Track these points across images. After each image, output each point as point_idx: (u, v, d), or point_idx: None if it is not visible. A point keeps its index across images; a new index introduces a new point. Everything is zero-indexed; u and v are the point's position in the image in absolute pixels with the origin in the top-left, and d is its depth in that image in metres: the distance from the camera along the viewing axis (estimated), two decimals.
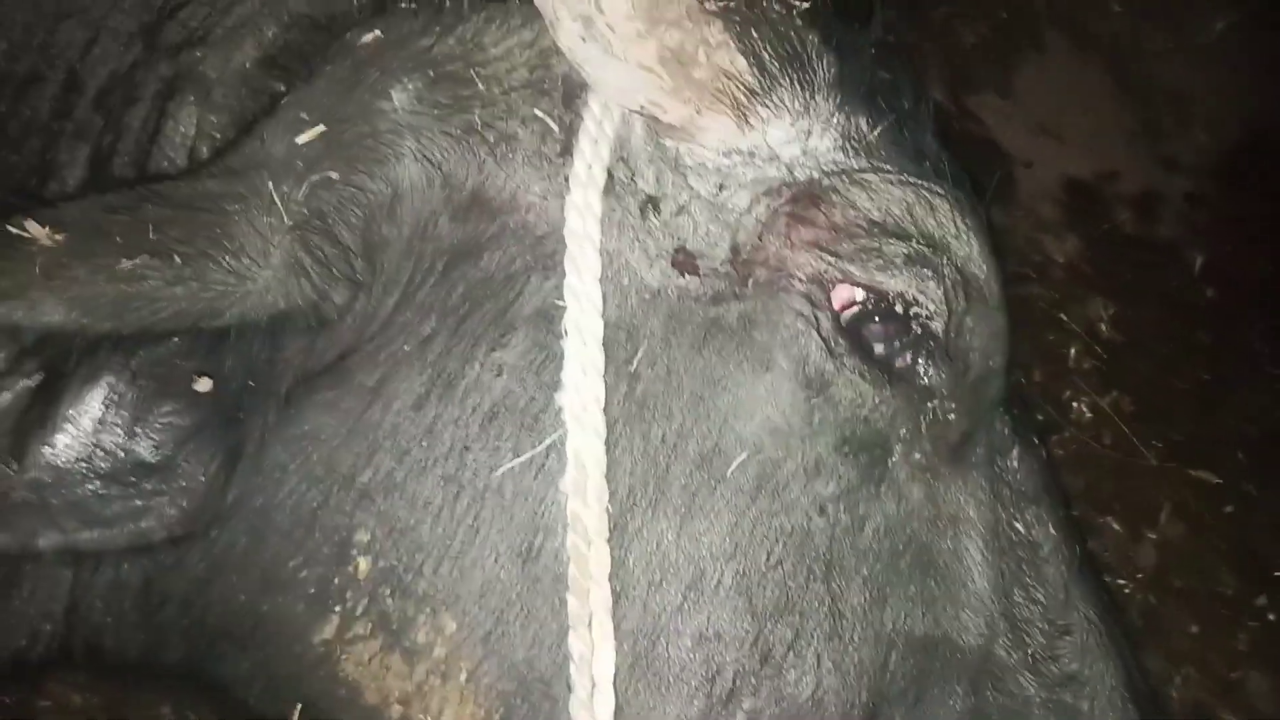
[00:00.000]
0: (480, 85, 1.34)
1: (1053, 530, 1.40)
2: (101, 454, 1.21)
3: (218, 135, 1.44)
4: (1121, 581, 2.86)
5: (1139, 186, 3.26)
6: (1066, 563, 1.39)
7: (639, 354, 1.27)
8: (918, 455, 1.30)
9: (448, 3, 1.42)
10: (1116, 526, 2.86)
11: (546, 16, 1.29)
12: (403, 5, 1.47)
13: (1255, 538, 3.01)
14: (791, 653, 1.21)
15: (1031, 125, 3.19)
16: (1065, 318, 2.98)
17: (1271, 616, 2.98)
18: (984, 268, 1.32)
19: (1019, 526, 1.38)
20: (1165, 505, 2.91)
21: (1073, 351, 2.93)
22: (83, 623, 1.42)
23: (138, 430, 1.23)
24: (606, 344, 1.25)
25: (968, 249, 1.31)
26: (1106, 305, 3.02)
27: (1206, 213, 3.29)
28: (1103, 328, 3.00)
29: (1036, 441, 1.51)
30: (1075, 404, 2.87)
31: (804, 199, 1.30)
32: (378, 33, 1.43)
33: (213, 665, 1.40)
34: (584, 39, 1.27)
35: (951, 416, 1.31)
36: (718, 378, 1.25)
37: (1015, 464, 1.42)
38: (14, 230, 1.11)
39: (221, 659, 1.38)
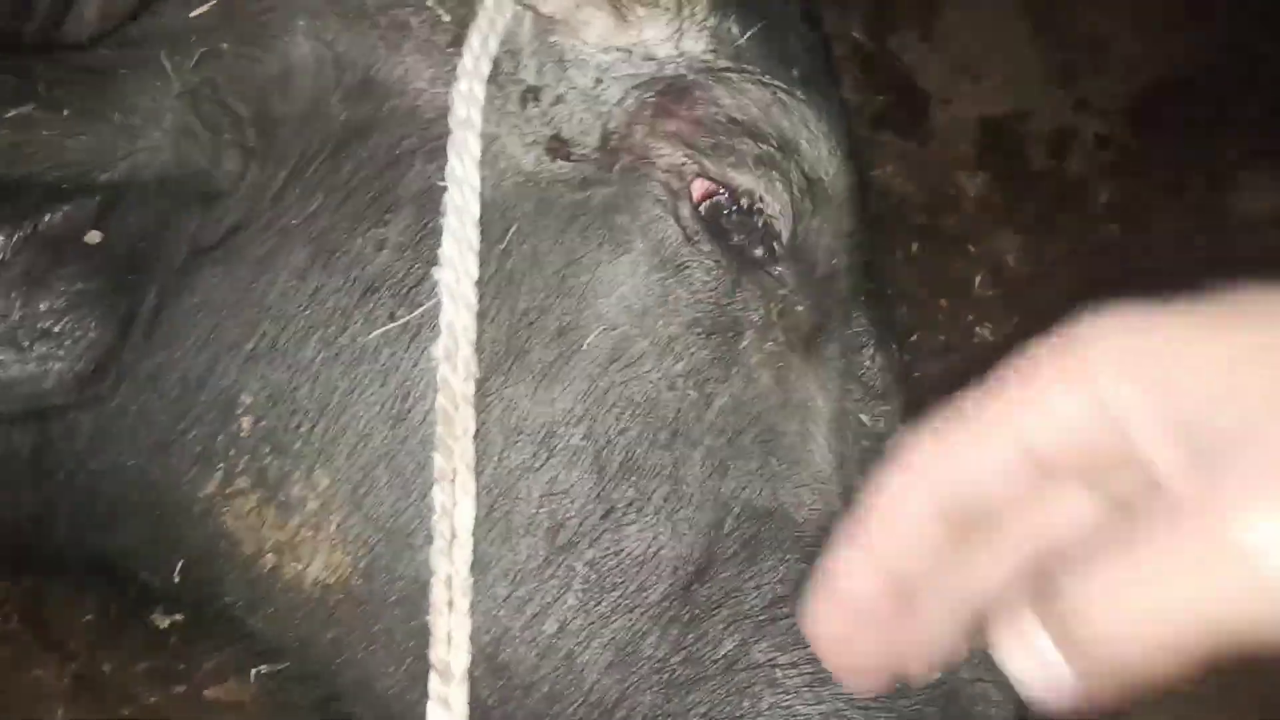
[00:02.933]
0: None
1: (898, 424, 1.45)
2: None
3: (124, 9, 1.44)
4: None
5: (1051, 126, 3.31)
6: None
7: (510, 233, 1.31)
8: (769, 344, 1.35)
9: None
10: None
11: None
12: None
13: None
14: (632, 510, 1.26)
15: (951, 66, 3.23)
16: (973, 249, 3.05)
17: None
18: (831, 171, 1.37)
19: (864, 418, 1.43)
20: None
21: (978, 280, 3.01)
22: None
23: (32, 293, 1.23)
24: (481, 223, 1.29)
25: (818, 151, 1.36)
26: (1014, 238, 3.10)
27: (1115, 152, 3.35)
28: (1009, 259, 3.08)
29: (894, 345, 1.57)
30: (977, 329, 2.95)
31: (671, 92, 1.35)
32: None
33: (102, 536, 1.43)
34: None
35: (800, 309, 1.36)
36: (580, 257, 1.30)
37: (868, 362, 1.48)
38: None
39: (110, 528, 1.41)
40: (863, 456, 1.41)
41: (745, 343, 1.33)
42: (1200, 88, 3.41)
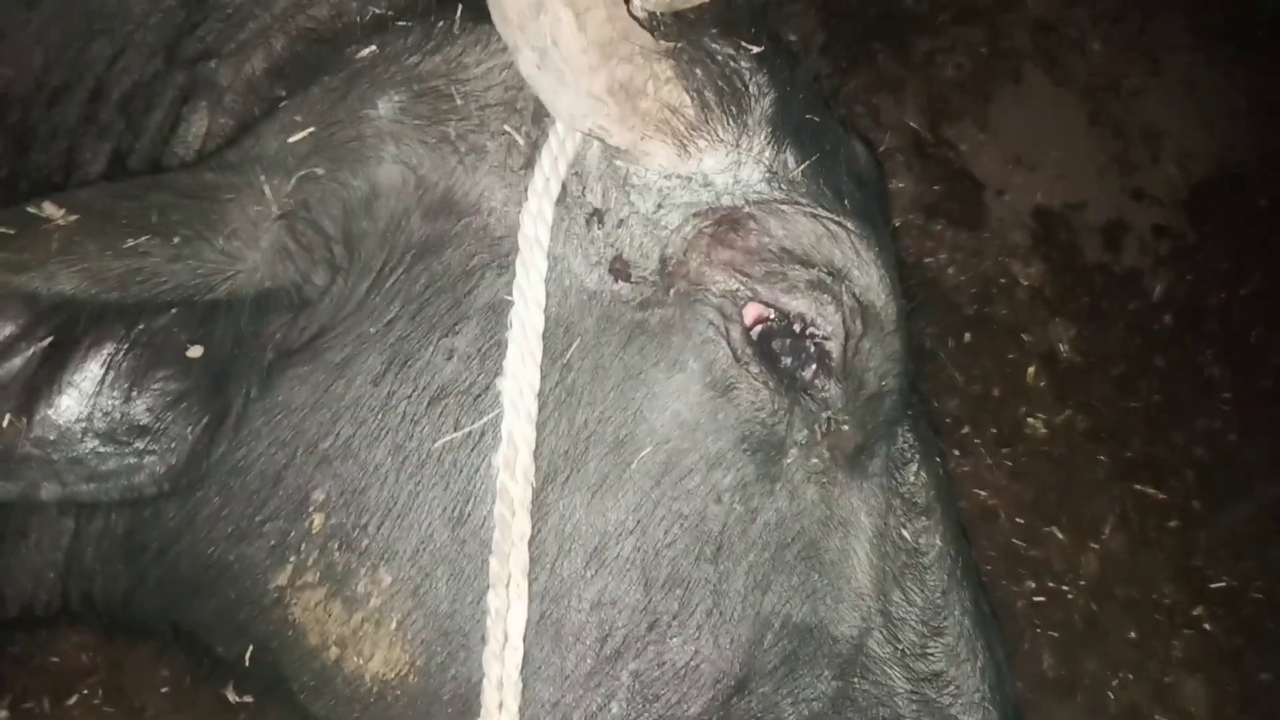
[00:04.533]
0: (459, 101, 1.45)
1: (939, 540, 1.48)
2: (100, 415, 1.31)
3: (223, 133, 1.55)
4: (1065, 588, 2.93)
5: (1106, 216, 3.31)
6: (949, 571, 1.47)
7: (572, 348, 1.38)
8: (814, 460, 1.39)
9: (439, 24, 1.54)
10: (1061, 536, 2.92)
11: (509, 45, 1.39)
12: (400, 24, 1.58)
13: (1196, 552, 3.06)
14: (675, 622, 1.30)
15: (1006, 156, 3.25)
16: (1027, 338, 3.05)
17: (1207, 626, 3.04)
18: (883, 296, 1.41)
19: (906, 534, 1.46)
20: (1110, 518, 2.97)
21: (1031, 370, 3.00)
22: (78, 570, 1.53)
23: (133, 394, 1.32)
24: (545, 337, 1.35)
25: (868, 279, 1.40)
26: (1067, 327, 3.09)
27: (1169, 243, 3.34)
28: (1062, 348, 3.06)
29: (938, 459, 1.59)
30: (1030, 419, 2.94)
31: (726, 222, 1.41)
32: (374, 48, 1.54)
33: (183, 611, 1.50)
34: (539, 68, 1.37)
35: (846, 428, 1.40)
36: (637, 374, 1.36)
37: (912, 477, 1.51)
38: (33, 210, 1.22)
39: (190, 605, 1.49)
40: (902, 572, 1.44)
41: (790, 459, 1.37)
42: (1257, 178, 3.40)
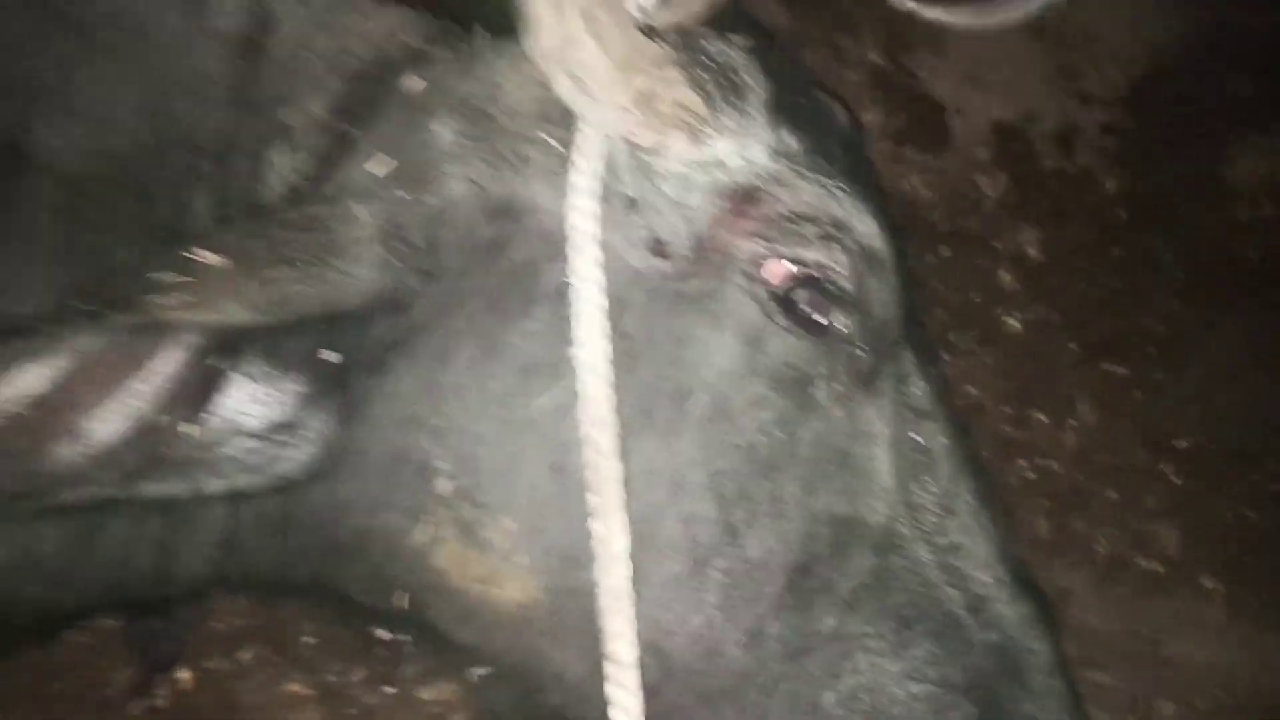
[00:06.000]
0: (500, 117, 1.66)
1: (942, 438, 1.75)
2: (251, 417, 1.52)
3: (303, 169, 1.78)
4: (1051, 462, 3.28)
5: (1057, 122, 3.57)
6: (953, 462, 1.75)
7: (627, 319, 1.61)
8: (837, 385, 1.64)
9: (469, 49, 1.74)
10: (1043, 418, 3.25)
11: (547, 74, 1.64)
12: (434, 52, 1.81)
13: (1160, 417, 3.40)
14: (747, 527, 1.59)
15: (961, 77, 3.49)
16: (997, 245, 3.34)
17: (1176, 480, 3.39)
18: (880, 241, 1.68)
19: (916, 436, 1.73)
20: (1084, 396, 3.30)
21: (1002, 273, 3.30)
22: (236, 548, 1.75)
23: (276, 397, 1.53)
24: (607, 313, 1.59)
25: (867, 227, 1.65)
26: (1033, 231, 3.38)
27: (1116, 139, 3.61)
28: (1030, 250, 3.36)
29: (935, 369, 1.87)
30: (1006, 318, 3.25)
31: (742, 196, 1.64)
32: (419, 79, 1.77)
33: (335, 575, 1.74)
34: (574, 90, 1.63)
35: (861, 354, 1.66)
36: (684, 337, 1.60)
37: (915, 388, 1.77)
38: (191, 257, 1.45)
39: (341, 569, 1.73)
40: (916, 467, 1.75)
41: (817, 389, 1.65)
42: (1188, 69, 3.65)
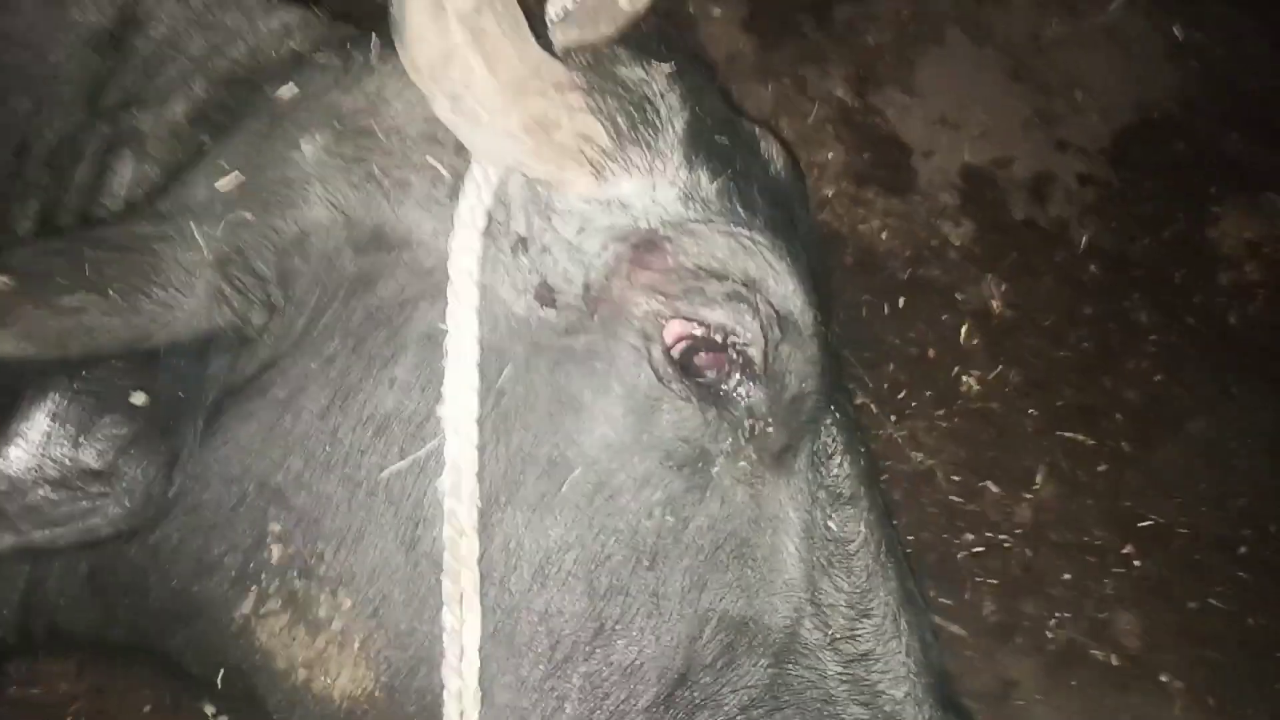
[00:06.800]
0: (381, 136, 1.51)
1: (863, 527, 1.59)
2: (51, 463, 1.36)
3: (148, 181, 1.60)
4: (1002, 537, 3.10)
5: (1032, 169, 3.43)
6: (873, 555, 1.58)
7: (504, 374, 1.46)
8: (742, 463, 1.49)
9: (357, 57, 1.58)
10: (996, 489, 3.08)
11: (423, 90, 1.45)
12: (319, 59, 1.63)
13: (1125, 493, 3.24)
14: (619, 626, 1.42)
15: (932, 117, 3.35)
16: (960, 297, 3.18)
17: (1137, 563, 3.23)
18: (798, 303, 1.51)
19: (833, 524, 1.57)
20: (1042, 467, 3.13)
21: (965, 329, 3.14)
22: (39, 606, 1.60)
23: (82, 441, 1.37)
24: (480, 364, 1.44)
25: (783, 287, 1.50)
26: (998, 284, 3.22)
27: (1094, 191, 3.47)
28: (994, 305, 3.20)
29: (861, 449, 1.69)
30: (965, 377, 3.08)
31: (644, 245, 1.49)
32: (293, 86, 1.59)
33: (155, 640, 1.59)
34: (454, 112, 1.44)
35: (770, 430, 1.51)
36: (566, 399, 1.45)
37: (836, 469, 1.61)
38: None
39: (161, 634, 1.57)
40: (830, 560, 1.56)
41: (717, 468, 1.48)
42: (1177, 123, 3.53)
